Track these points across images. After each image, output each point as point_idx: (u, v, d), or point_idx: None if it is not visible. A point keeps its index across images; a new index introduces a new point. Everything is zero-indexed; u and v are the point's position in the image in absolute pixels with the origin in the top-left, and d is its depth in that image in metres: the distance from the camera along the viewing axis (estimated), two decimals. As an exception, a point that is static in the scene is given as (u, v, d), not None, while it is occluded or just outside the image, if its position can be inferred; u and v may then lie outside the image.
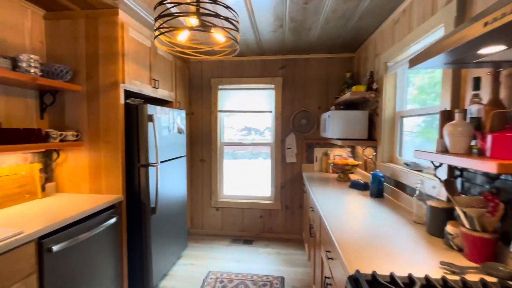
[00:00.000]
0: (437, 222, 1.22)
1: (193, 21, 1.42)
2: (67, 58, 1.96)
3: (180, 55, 1.69)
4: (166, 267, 2.40)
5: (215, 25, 1.40)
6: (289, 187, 3.28)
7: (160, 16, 1.28)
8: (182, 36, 1.53)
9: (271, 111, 3.31)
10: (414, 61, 0.94)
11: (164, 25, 1.42)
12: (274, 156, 3.29)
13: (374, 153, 2.35)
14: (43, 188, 1.91)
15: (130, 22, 2.03)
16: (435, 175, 1.29)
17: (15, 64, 1.57)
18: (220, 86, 3.32)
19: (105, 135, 1.96)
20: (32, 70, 1.62)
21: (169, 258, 2.46)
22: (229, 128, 3.52)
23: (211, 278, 2.39)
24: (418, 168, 1.68)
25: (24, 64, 1.58)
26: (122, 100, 1.96)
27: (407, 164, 1.80)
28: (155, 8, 1.32)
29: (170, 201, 2.47)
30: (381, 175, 1.93)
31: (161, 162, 2.29)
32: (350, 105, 2.94)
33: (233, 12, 1.42)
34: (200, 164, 3.39)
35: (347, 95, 2.39)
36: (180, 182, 2.70)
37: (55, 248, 1.40)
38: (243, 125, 3.53)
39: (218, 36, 1.54)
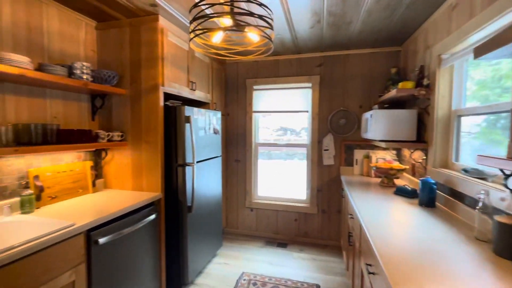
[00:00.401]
0: (507, 242, 1.02)
1: (227, 21, 1.41)
2: (114, 64, 2.12)
3: (215, 56, 1.70)
4: (201, 264, 2.45)
5: (249, 24, 1.37)
6: (326, 190, 3.13)
7: (194, 19, 1.29)
8: (217, 38, 1.53)
9: (307, 111, 3.19)
10: (482, 50, 0.79)
11: (199, 27, 1.43)
12: (311, 158, 3.17)
13: (424, 157, 2.10)
14: (93, 184, 2.09)
15: (169, 27, 2.11)
16: (505, 185, 1.09)
17: (70, 72, 1.73)
18: (255, 87, 3.30)
19: (146, 136, 2.07)
20: (85, 77, 1.77)
21: (205, 256, 2.52)
22: (264, 128, 3.49)
23: (244, 279, 2.38)
24: (481, 176, 1.44)
25: (78, 71, 1.74)
26: (161, 102, 2.05)
27: (465, 171, 1.56)
28: (190, 10, 1.33)
29: (206, 200, 2.53)
30: (433, 181, 1.71)
31: (197, 162, 2.35)
32: (395, 104, 2.69)
33: (267, 10, 1.38)
34: (235, 164, 3.42)
35: (392, 93, 2.19)
36: (215, 181, 2.75)
37: (101, 240, 1.51)
38: (279, 125, 3.47)
39: (252, 36, 1.51)
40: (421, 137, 2.17)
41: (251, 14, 1.29)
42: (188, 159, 2.18)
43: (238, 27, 1.40)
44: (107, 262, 1.57)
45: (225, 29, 1.39)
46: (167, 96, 2.33)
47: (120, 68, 2.10)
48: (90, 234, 1.47)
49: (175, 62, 2.21)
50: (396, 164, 2.50)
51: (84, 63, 1.77)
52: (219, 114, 2.81)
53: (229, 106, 3.41)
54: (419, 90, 2.00)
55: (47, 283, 1.24)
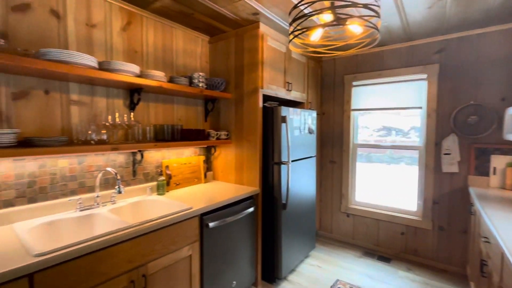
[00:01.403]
0: None
1: (327, 17, 1.36)
2: (222, 71, 2.42)
3: (313, 55, 1.68)
4: (294, 262, 2.48)
5: (351, 16, 1.28)
6: (446, 203, 2.56)
7: (294, 20, 1.31)
8: (316, 35, 1.50)
9: (420, 107, 2.70)
10: None
11: (298, 27, 1.44)
12: (424, 163, 2.67)
13: None
14: (205, 176, 2.45)
15: (268, 32, 2.23)
16: None
17: (190, 81, 2.09)
18: (354, 83, 3.06)
19: (247, 135, 2.27)
20: (200, 84, 2.10)
21: (297, 254, 2.53)
22: (363, 128, 3.19)
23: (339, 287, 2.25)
24: None
25: (195, 81, 2.08)
26: (260, 104, 2.19)
27: None
28: (290, 12, 1.36)
29: (300, 199, 2.53)
30: None
31: (292, 161, 2.39)
32: None
33: (374, -4, 1.25)
34: (330, 166, 3.28)
35: (562, 77, 1.56)
36: (310, 182, 2.71)
37: (211, 224, 1.75)
38: (381, 124, 3.09)
39: (355, 28, 1.40)
40: None
41: (354, 4, 1.20)
42: (284, 158, 2.24)
43: (339, 21, 1.33)
44: (214, 244, 1.81)
45: (325, 25, 1.34)
46: (266, 98, 2.47)
47: (227, 75, 2.38)
48: (203, 217, 1.73)
49: (273, 65, 2.31)
50: None
51: (200, 73, 2.10)
52: (314, 114, 2.76)
53: (324, 105, 3.29)
54: None
55: (174, 252, 1.54)
